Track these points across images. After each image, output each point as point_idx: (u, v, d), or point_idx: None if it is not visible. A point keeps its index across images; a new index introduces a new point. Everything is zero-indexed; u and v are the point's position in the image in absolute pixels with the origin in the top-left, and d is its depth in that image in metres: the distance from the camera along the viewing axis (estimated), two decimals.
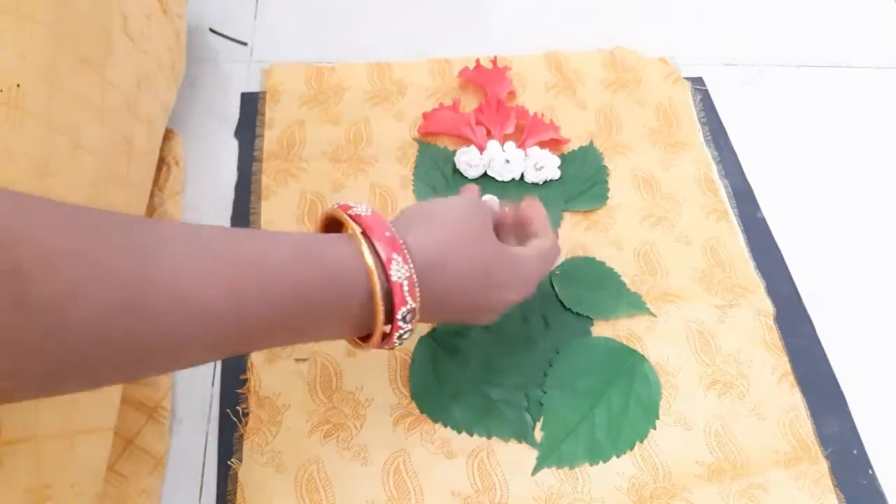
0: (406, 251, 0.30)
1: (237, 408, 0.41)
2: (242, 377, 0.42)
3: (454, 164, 0.51)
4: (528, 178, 0.51)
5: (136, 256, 0.24)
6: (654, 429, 0.42)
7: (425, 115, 0.54)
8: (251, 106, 0.55)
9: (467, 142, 0.53)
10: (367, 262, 0.29)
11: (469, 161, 0.51)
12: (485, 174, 0.51)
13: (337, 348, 0.43)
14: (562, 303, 0.45)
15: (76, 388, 0.26)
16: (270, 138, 0.52)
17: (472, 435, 0.41)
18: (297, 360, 0.42)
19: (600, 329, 0.45)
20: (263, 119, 0.54)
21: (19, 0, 0.31)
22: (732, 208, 0.52)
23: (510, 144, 0.52)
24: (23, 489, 0.29)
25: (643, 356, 0.44)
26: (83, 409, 0.33)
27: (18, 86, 0.30)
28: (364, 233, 0.30)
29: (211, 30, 0.59)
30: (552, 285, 0.46)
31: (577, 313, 0.45)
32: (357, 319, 0.30)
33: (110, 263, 0.23)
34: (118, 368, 0.25)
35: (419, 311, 0.31)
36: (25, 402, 0.29)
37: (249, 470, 0.39)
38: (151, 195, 0.46)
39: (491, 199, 0.46)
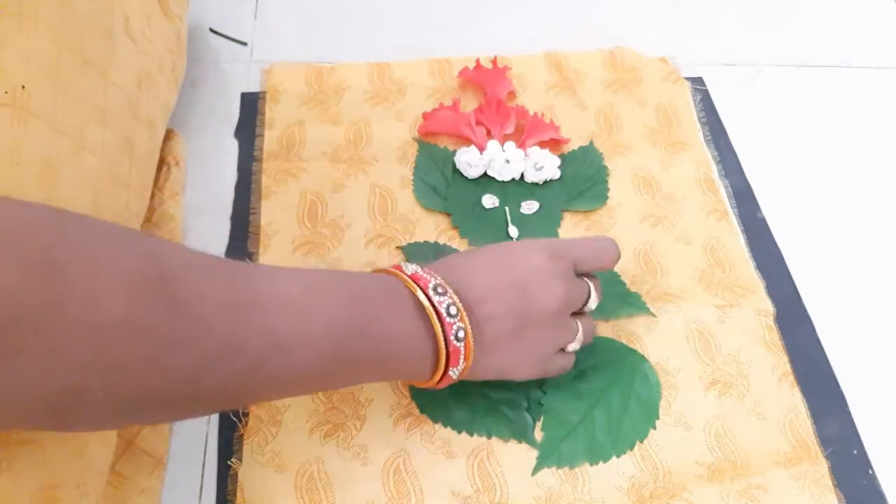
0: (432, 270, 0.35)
1: None
2: None
3: (454, 164, 0.51)
4: (528, 178, 0.51)
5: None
6: (654, 429, 0.42)
7: (425, 115, 0.54)
8: (251, 106, 0.55)
9: (467, 142, 0.53)
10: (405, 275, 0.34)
11: (469, 161, 0.51)
12: (485, 174, 0.51)
13: None
14: None
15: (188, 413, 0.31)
16: (270, 138, 0.52)
17: (472, 435, 0.41)
18: None
19: (600, 329, 0.45)
20: (263, 119, 0.54)
21: (22, 1, 0.31)
22: (732, 208, 0.52)
23: (510, 144, 0.52)
24: (30, 490, 0.29)
25: (643, 356, 0.44)
26: None
27: (23, 87, 0.30)
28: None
29: (211, 30, 0.59)
30: None
31: None
32: (416, 334, 0.34)
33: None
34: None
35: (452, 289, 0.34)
36: None
37: (249, 470, 0.39)
38: (151, 196, 0.46)
39: None
